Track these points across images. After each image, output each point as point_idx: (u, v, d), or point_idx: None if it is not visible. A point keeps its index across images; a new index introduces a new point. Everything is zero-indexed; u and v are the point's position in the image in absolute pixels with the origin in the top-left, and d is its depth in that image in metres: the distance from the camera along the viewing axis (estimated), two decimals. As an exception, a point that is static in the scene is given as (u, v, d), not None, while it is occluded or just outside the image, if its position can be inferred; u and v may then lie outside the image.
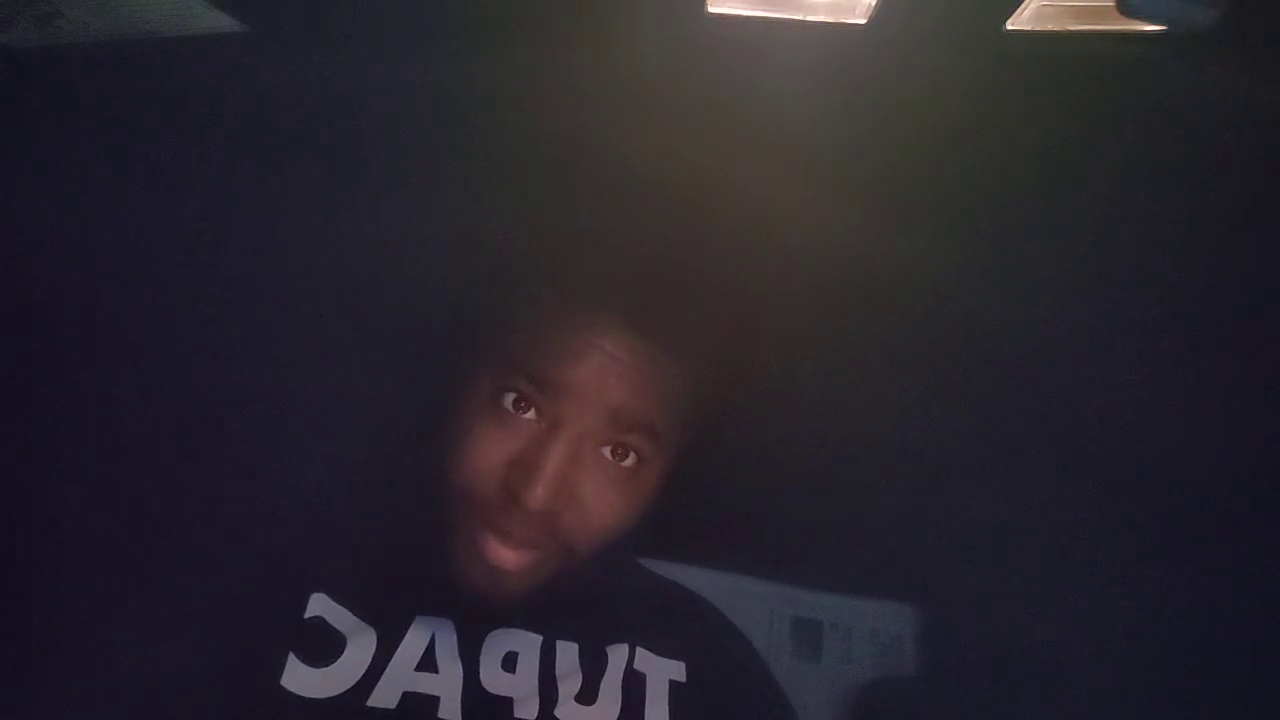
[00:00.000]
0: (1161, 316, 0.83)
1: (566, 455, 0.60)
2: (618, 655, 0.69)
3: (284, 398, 0.78)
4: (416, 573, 0.67)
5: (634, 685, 0.67)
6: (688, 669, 0.70)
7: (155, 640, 0.62)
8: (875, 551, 0.89)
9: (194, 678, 0.61)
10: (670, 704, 0.67)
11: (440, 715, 0.62)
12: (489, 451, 0.61)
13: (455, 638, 0.65)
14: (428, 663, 0.64)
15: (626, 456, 0.63)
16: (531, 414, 0.62)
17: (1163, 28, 0.67)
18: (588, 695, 0.66)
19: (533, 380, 0.61)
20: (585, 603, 0.69)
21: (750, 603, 0.89)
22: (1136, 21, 0.66)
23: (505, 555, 0.61)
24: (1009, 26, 0.71)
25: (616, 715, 0.66)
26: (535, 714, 0.64)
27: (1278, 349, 0.80)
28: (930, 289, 0.84)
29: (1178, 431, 0.82)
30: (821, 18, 0.72)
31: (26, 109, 0.81)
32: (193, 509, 0.70)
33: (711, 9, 0.71)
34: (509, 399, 0.62)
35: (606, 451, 0.62)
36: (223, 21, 0.73)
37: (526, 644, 0.67)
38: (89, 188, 0.82)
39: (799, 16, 0.72)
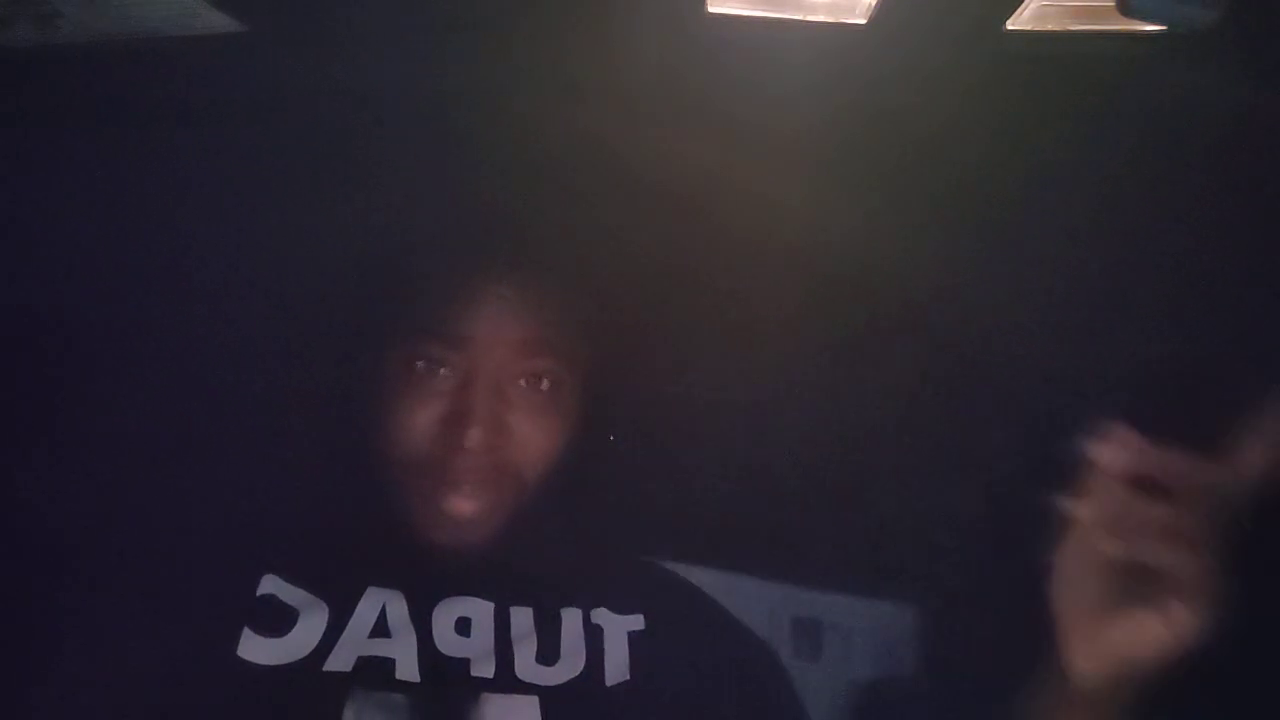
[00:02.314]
0: (1161, 316, 0.83)
1: (489, 396, 0.66)
2: (572, 616, 0.70)
3: (239, 388, 0.79)
4: (366, 548, 0.69)
5: (595, 640, 0.69)
6: (646, 619, 0.71)
7: (109, 624, 0.64)
8: (875, 551, 0.88)
9: (149, 655, 0.63)
10: (630, 652, 0.68)
11: (398, 676, 0.64)
12: (418, 417, 0.66)
13: (405, 607, 0.67)
14: (380, 629, 0.66)
15: (542, 382, 0.68)
16: (445, 370, 0.67)
17: (1163, 28, 0.67)
18: (549, 655, 0.67)
19: (435, 341, 0.67)
20: (536, 569, 0.71)
21: (750, 603, 0.89)
22: (1136, 21, 0.66)
23: (464, 505, 0.66)
24: (1009, 26, 0.71)
25: (580, 670, 0.67)
26: (493, 673, 0.65)
27: (1278, 348, 0.80)
28: (930, 288, 0.84)
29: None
30: (821, 18, 0.72)
31: (26, 109, 0.81)
32: (143, 495, 0.71)
33: (711, 9, 0.71)
34: (420, 365, 0.67)
35: (523, 383, 0.67)
36: (223, 21, 0.73)
37: (478, 610, 0.68)
38: (88, 187, 0.82)
39: (799, 16, 0.72)
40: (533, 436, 0.68)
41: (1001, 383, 0.86)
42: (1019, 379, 0.86)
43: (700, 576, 0.79)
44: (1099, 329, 0.84)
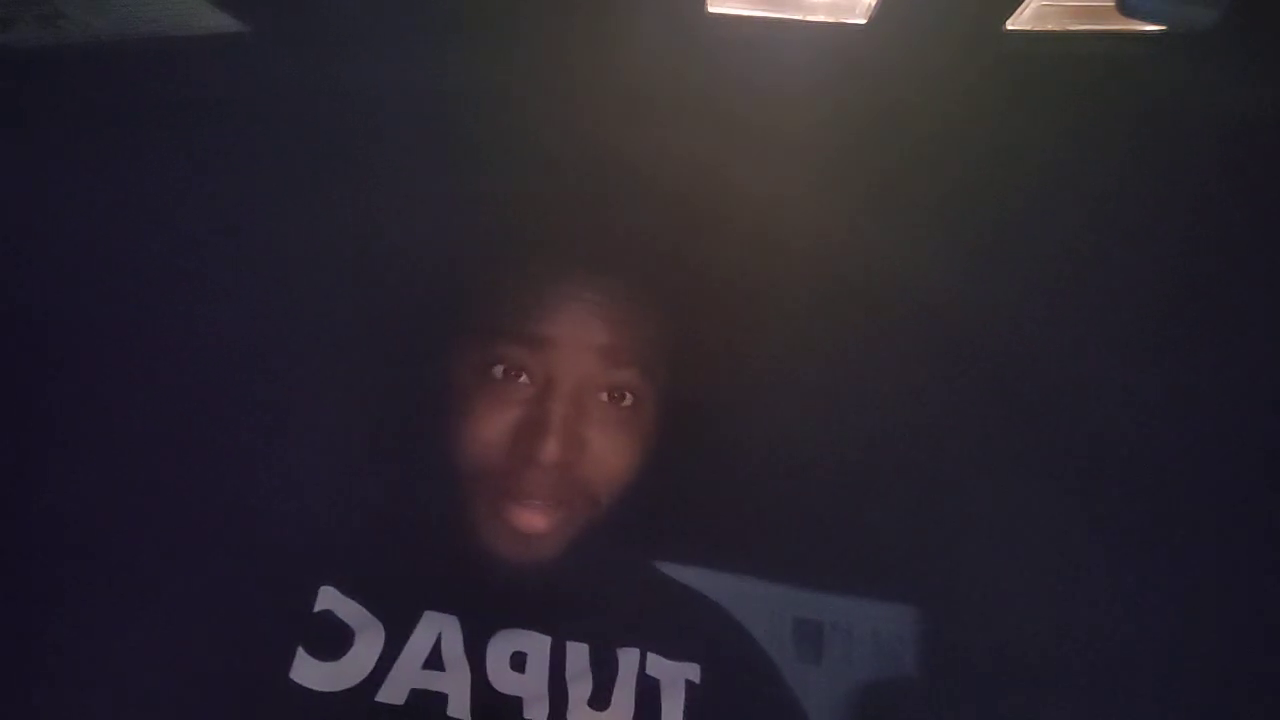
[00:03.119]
0: (1161, 316, 0.83)
1: (567, 407, 0.63)
2: (628, 658, 0.68)
3: (291, 393, 0.78)
4: (426, 565, 0.67)
5: (648, 690, 0.67)
6: (702, 670, 0.69)
7: (165, 634, 0.62)
8: (875, 551, 0.88)
9: (203, 671, 0.61)
10: (686, 706, 0.67)
11: (449, 713, 0.62)
12: (492, 424, 0.63)
13: (461, 637, 0.65)
14: (434, 661, 0.64)
15: (624, 398, 0.65)
16: (524, 378, 0.64)
17: (1163, 28, 0.67)
18: (600, 700, 0.65)
19: (518, 342, 0.63)
20: (594, 603, 0.69)
21: (751, 603, 0.89)
22: (1136, 21, 0.66)
23: (533, 520, 0.63)
24: (1009, 26, 0.72)
25: None
26: (545, 715, 0.64)
27: (1277, 348, 0.80)
28: (930, 288, 0.84)
29: (1177, 431, 0.82)
30: (821, 18, 0.72)
31: (26, 109, 0.81)
32: (201, 504, 0.70)
33: (711, 9, 0.71)
34: (499, 370, 0.64)
35: (604, 396, 0.64)
36: (223, 21, 0.73)
37: (535, 644, 0.66)
38: (89, 187, 0.82)
39: (799, 16, 0.72)
40: (609, 454, 0.65)
41: (1002, 382, 0.86)
42: (1019, 378, 0.86)
43: (701, 577, 0.79)
44: (1099, 328, 0.84)
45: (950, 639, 0.89)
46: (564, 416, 0.62)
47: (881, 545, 0.88)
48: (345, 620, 0.65)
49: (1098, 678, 0.80)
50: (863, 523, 0.87)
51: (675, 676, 0.68)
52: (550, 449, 0.61)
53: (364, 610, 0.65)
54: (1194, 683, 0.77)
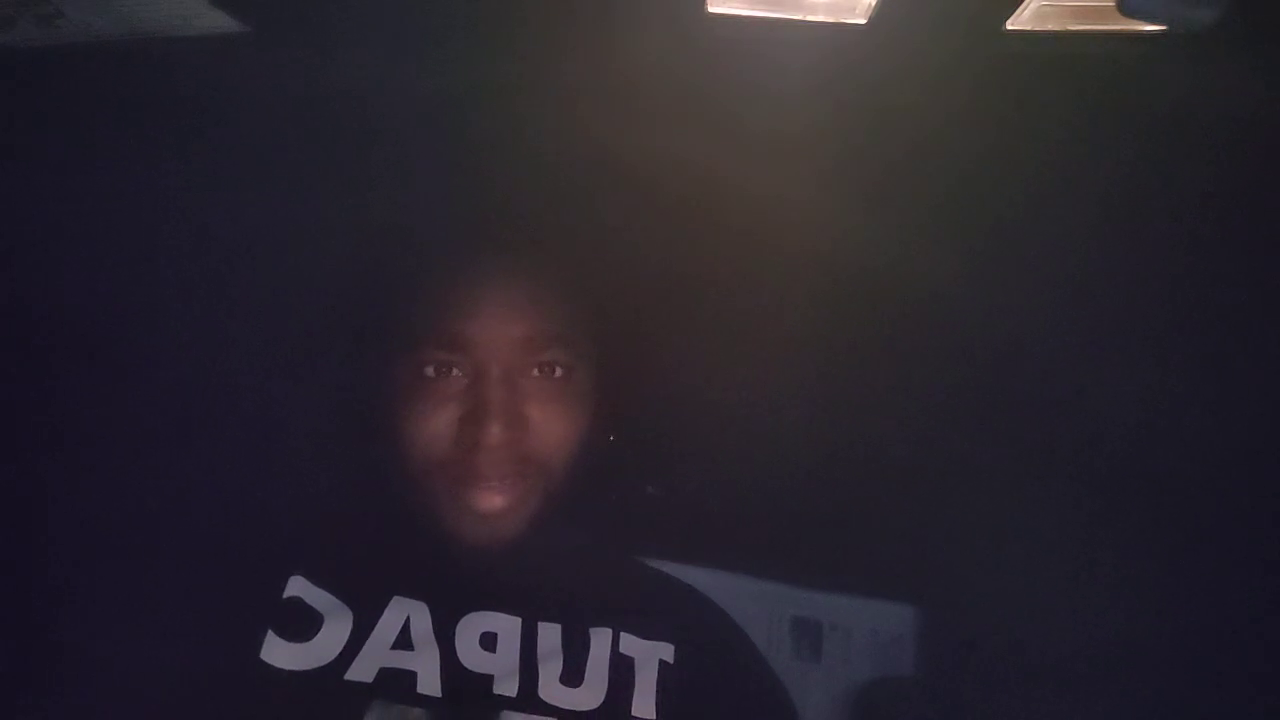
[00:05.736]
0: (1161, 316, 0.83)
1: (502, 391, 0.66)
2: (601, 638, 0.69)
3: (267, 391, 0.79)
4: (393, 553, 0.70)
5: (621, 669, 0.68)
6: (676, 650, 0.70)
7: (133, 623, 0.64)
8: (875, 551, 0.88)
9: (173, 653, 0.63)
10: (659, 685, 0.68)
11: (419, 690, 0.64)
12: (434, 421, 0.67)
13: (429, 619, 0.67)
14: (403, 642, 0.66)
15: (554, 371, 0.68)
16: (456, 372, 0.67)
17: (1163, 28, 0.68)
18: (572, 677, 0.67)
19: (442, 345, 0.67)
20: (566, 585, 0.71)
21: (750, 603, 0.89)
22: (1136, 21, 0.66)
23: (492, 499, 0.66)
24: (1009, 26, 0.72)
25: (603, 698, 0.66)
26: (515, 692, 0.65)
27: (1277, 348, 0.80)
28: (930, 289, 0.84)
29: (1178, 431, 0.82)
30: (821, 18, 0.72)
31: (26, 109, 0.81)
32: (172, 496, 0.71)
33: (711, 9, 0.71)
34: (430, 370, 0.67)
35: (535, 373, 0.68)
36: (223, 21, 0.73)
37: (505, 625, 0.68)
38: (89, 187, 0.82)
39: (799, 16, 0.72)
40: (551, 424, 0.68)
41: (1001, 382, 0.86)
42: (1019, 378, 0.86)
43: (700, 576, 0.79)
44: (1099, 328, 0.84)
45: (948, 638, 0.89)
46: (500, 400, 0.66)
47: (881, 545, 0.88)
48: (314, 606, 0.67)
49: (1096, 677, 0.80)
50: (861, 522, 0.87)
51: (649, 656, 0.69)
52: (493, 432, 0.65)
53: (332, 597, 0.68)
54: (1194, 681, 0.78)
